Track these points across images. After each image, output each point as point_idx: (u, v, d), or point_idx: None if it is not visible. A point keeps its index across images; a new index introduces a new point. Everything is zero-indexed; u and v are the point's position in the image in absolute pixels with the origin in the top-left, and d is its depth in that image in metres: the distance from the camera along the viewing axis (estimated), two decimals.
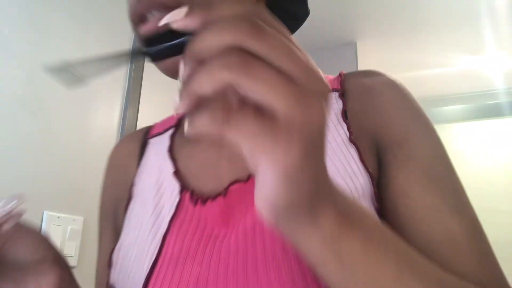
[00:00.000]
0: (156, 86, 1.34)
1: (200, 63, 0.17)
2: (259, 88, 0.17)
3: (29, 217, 0.87)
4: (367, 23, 2.15)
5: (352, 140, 0.35)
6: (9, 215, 0.29)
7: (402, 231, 0.32)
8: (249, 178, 0.36)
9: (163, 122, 0.49)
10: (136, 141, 0.48)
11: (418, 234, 0.31)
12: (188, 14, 0.18)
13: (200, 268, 0.32)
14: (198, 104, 0.18)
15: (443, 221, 0.31)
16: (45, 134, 0.87)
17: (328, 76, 0.41)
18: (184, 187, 0.38)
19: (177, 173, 0.40)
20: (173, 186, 0.39)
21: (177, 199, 0.38)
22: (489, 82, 2.78)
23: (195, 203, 0.37)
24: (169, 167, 0.41)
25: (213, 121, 0.17)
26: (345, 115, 0.37)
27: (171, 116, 0.48)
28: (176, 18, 0.18)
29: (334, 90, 0.39)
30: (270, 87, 0.17)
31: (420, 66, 2.60)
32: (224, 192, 0.36)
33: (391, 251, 0.23)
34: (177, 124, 0.46)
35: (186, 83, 0.18)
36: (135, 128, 1.17)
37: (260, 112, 0.17)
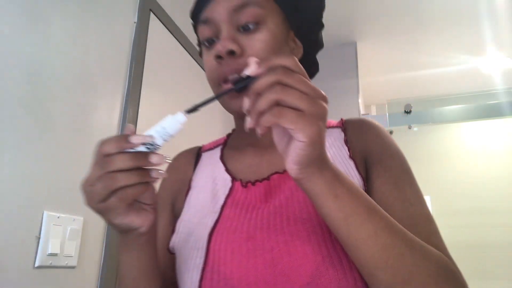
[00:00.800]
0: (156, 86, 1.34)
1: (257, 95, 0.36)
2: (294, 99, 0.35)
3: (29, 217, 0.87)
4: (367, 23, 2.15)
5: (351, 157, 0.54)
6: (163, 160, 0.42)
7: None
8: (284, 171, 0.53)
9: (212, 142, 0.68)
10: (192, 154, 0.67)
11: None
12: (257, 68, 0.37)
13: (249, 223, 0.49)
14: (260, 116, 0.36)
15: (406, 208, 0.49)
16: (45, 134, 0.87)
17: (331, 121, 0.61)
18: (234, 179, 0.56)
19: (228, 170, 0.58)
20: (226, 178, 0.57)
21: (230, 185, 0.55)
22: (489, 82, 2.78)
23: (245, 186, 0.54)
24: (221, 167, 0.59)
25: (273, 115, 0.35)
26: (346, 141, 0.56)
27: (220, 138, 0.67)
28: (252, 72, 0.38)
29: (338, 126, 0.59)
30: (299, 98, 0.35)
31: (420, 66, 2.60)
32: (267, 178, 0.53)
33: (365, 197, 0.41)
34: (225, 143, 0.65)
35: (252, 106, 0.36)
36: (135, 128, 1.17)
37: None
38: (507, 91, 2.77)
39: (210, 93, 0.50)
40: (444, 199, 2.89)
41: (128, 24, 1.22)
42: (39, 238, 0.83)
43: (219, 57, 0.51)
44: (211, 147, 0.66)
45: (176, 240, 0.56)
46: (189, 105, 0.41)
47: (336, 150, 0.55)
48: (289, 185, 0.51)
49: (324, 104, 0.37)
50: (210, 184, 0.58)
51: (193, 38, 1.64)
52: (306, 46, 0.62)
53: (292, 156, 0.37)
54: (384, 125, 2.23)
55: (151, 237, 0.47)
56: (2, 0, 0.79)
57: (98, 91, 1.05)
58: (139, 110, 1.21)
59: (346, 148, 0.55)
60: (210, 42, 0.54)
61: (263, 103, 0.35)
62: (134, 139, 0.41)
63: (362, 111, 2.26)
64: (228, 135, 0.67)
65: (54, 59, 0.92)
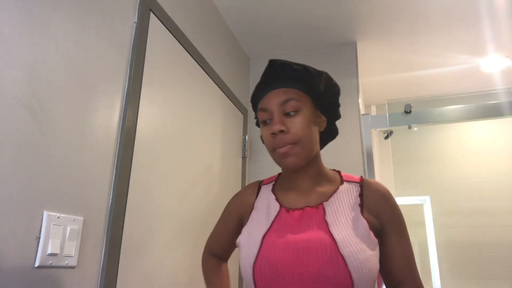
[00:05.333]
0: (156, 86, 1.34)
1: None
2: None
3: (29, 217, 0.87)
4: (367, 23, 2.15)
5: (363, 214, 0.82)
6: None
7: (387, 259, 0.82)
8: (313, 206, 0.82)
9: (269, 178, 0.98)
10: (255, 185, 0.97)
11: (394, 263, 0.81)
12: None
13: (287, 232, 0.78)
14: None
15: (406, 258, 0.82)
16: (45, 134, 0.87)
17: (352, 176, 0.91)
18: (281, 205, 0.85)
19: (277, 199, 0.88)
20: (276, 205, 0.86)
21: (278, 209, 0.84)
22: (489, 82, 2.78)
23: (288, 211, 0.83)
24: (273, 197, 0.89)
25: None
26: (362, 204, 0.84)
27: (273, 176, 0.97)
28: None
29: (357, 183, 0.88)
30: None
31: (420, 66, 2.60)
32: (302, 208, 0.82)
33: None
34: (276, 179, 0.96)
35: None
36: (135, 128, 1.17)
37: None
38: (507, 91, 2.76)
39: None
40: (444, 199, 2.89)
41: (128, 24, 1.22)
42: (39, 238, 0.83)
43: (273, 134, 0.81)
44: (267, 182, 0.96)
45: (241, 239, 0.85)
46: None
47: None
48: (314, 215, 0.80)
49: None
50: (266, 207, 0.87)
51: (193, 39, 1.64)
52: (328, 118, 0.91)
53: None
54: (384, 125, 2.23)
55: None
56: (2, 0, 0.79)
57: (98, 91, 1.05)
58: (139, 110, 1.21)
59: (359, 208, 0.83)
60: (267, 122, 0.85)
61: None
62: None
63: (362, 111, 2.26)
64: (279, 174, 0.96)
65: (54, 59, 0.92)
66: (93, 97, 1.03)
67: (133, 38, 1.22)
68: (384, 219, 0.81)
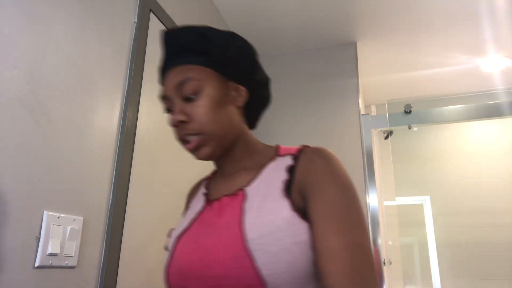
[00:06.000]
0: (156, 86, 1.34)
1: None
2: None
3: (29, 217, 0.87)
4: (367, 23, 2.15)
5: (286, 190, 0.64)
6: None
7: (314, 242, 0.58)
8: (233, 194, 0.67)
9: (210, 173, 0.84)
10: (196, 184, 0.86)
11: (316, 248, 0.56)
12: None
13: (200, 231, 0.66)
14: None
15: (327, 240, 0.55)
16: (45, 134, 0.87)
17: (291, 147, 0.72)
18: (207, 200, 0.73)
19: (206, 194, 0.76)
20: (202, 200, 0.74)
21: (203, 204, 0.73)
22: (489, 82, 2.78)
23: (210, 204, 0.70)
24: (202, 191, 0.78)
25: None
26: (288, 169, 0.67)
27: (213, 170, 0.84)
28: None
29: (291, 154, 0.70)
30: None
31: (420, 66, 2.60)
32: (219, 198, 0.70)
33: None
34: (214, 173, 0.83)
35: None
36: (135, 128, 1.17)
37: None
38: (507, 91, 2.76)
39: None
40: (444, 199, 2.89)
41: (128, 24, 1.22)
42: (39, 238, 0.83)
43: (175, 125, 0.68)
44: (207, 178, 0.84)
45: (167, 242, 0.75)
46: None
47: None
48: (232, 204, 0.66)
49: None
50: (194, 205, 0.76)
51: None
52: (250, 86, 0.74)
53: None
54: (384, 125, 2.23)
55: None
56: (2, 0, 0.79)
57: (98, 91, 1.05)
58: (139, 110, 1.21)
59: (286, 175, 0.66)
60: (170, 111, 0.71)
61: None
62: None
63: (362, 111, 2.26)
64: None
65: (54, 59, 0.92)
66: (93, 97, 1.03)
67: (133, 38, 1.22)
68: (307, 187, 0.61)
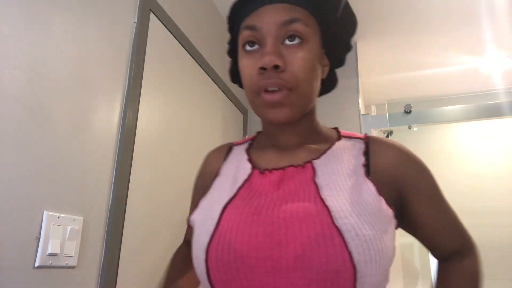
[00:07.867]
0: (156, 86, 1.34)
1: None
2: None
3: (29, 217, 0.87)
4: (367, 23, 2.15)
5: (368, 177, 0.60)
6: None
7: (416, 225, 0.65)
8: (298, 166, 0.60)
9: (243, 139, 0.75)
10: (224, 148, 0.74)
11: (427, 228, 0.65)
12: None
13: (258, 202, 0.55)
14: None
15: (439, 217, 0.65)
16: (45, 134, 0.87)
17: (354, 133, 0.69)
18: (254, 167, 0.63)
19: (250, 160, 0.65)
20: (247, 167, 0.64)
21: (249, 171, 0.62)
22: (489, 82, 2.77)
23: (262, 173, 0.61)
24: (245, 157, 0.66)
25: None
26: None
27: (250, 136, 0.75)
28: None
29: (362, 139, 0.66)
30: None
31: (420, 66, 2.60)
32: (283, 168, 0.60)
33: None
34: (254, 139, 0.74)
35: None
36: (135, 128, 1.17)
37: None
38: (507, 91, 2.76)
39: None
40: None
41: (128, 24, 1.22)
42: (39, 238, 0.83)
43: (263, 68, 0.55)
44: (241, 143, 0.74)
45: (195, 215, 0.63)
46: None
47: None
48: (300, 177, 0.57)
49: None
50: (234, 171, 0.65)
51: (193, 39, 1.64)
52: (332, 64, 0.69)
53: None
54: (384, 125, 2.23)
55: None
56: (2, 0, 0.79)
57: (98, 91, 1.05)
58: (139, 110, 1.21)
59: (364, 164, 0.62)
60: (251, 49, 0.58)
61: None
62: None
63: (362, 111, 2.26)
64: (258, 133, 0.75)
65: (54, 59, 0.92)
66: (93, 97, 1.03)
67: (133, 38, 1.22)
68: (406, 182, 0.60)
